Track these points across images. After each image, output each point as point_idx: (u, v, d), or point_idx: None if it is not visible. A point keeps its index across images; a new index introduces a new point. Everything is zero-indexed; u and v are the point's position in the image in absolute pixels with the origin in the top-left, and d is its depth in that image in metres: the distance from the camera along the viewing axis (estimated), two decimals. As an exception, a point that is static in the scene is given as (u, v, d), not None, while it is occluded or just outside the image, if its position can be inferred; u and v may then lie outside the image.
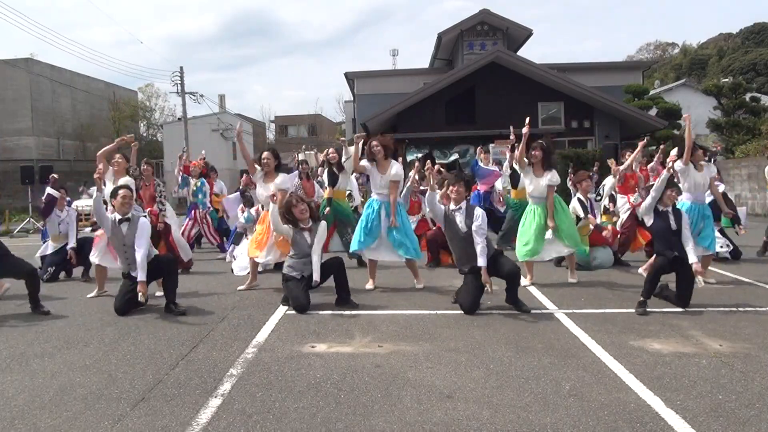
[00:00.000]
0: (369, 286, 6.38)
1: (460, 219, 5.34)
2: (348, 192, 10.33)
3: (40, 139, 29.91)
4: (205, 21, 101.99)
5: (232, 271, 7.00)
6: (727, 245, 7.74)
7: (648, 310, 5.03)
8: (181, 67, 29.71)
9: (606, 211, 7.95)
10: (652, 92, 27.61)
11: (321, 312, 5.33)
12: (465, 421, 2.93)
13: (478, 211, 5.36)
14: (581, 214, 7.13)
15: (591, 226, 7.24)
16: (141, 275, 5.35)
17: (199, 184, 9.55)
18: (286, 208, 5.57)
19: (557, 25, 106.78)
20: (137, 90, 39.58)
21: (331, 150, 8.48)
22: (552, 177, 6.27)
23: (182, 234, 9.28)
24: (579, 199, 7.29)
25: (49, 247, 7.77)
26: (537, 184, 6.33)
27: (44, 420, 3.06)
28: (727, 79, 26.59)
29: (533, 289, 6.14)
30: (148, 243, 5.56)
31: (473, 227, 5.23)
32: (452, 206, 5.44)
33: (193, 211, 9.58)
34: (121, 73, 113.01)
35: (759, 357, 3.83)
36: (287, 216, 5.55)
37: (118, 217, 5.59)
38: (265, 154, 6.63)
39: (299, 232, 5.57)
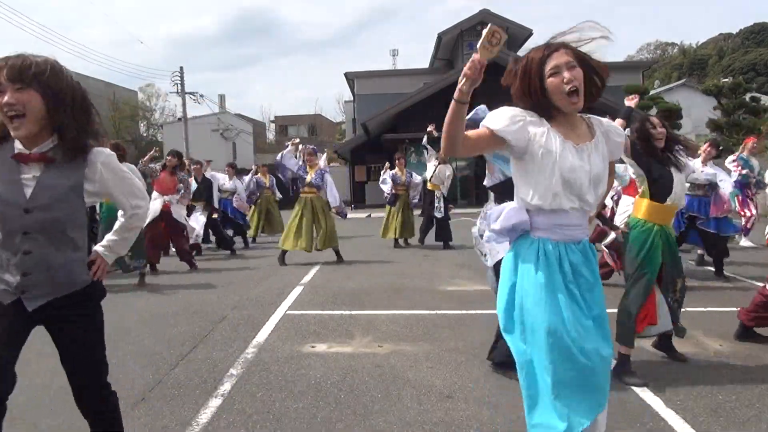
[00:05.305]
0: None
1: None
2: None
3: (40, 139, 29.88)
4: (206, 21, 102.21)
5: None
6: None
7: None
8: (181, 67, 29.69)
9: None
10: (652, 92, 27.60)
11: (321, 312, 5.32)
12: (465, 421, 2.93)
13: None
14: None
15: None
16: None
17: None
18: None
19: (557, 25, 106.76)
20: (137, 90, 39.58)
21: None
22: None
23: None
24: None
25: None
26: None
27: (44, 420, 3.06)
28: (727, 79, 26.56)
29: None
30: None
31: None
32: None
33: None
34: (122, 73, 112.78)
35: (759, 357, 3.82)
36: None
37: None
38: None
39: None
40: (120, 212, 2.18)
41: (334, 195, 8.31)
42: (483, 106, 3.20)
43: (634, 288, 3.44)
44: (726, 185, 6.66)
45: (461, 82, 1.80)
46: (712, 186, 6.59)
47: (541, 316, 1.87)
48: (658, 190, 3.48)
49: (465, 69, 1.77)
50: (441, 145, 1.95)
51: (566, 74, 1.87)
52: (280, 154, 8.22)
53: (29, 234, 1.87)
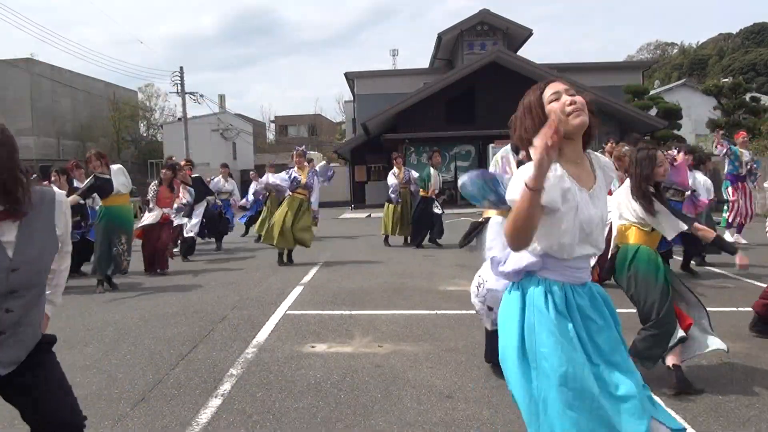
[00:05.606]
0: None
1: None
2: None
3: (40, 139, 29.84)
4: (206, 21, 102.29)
5: None
6: None
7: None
8: (181, 67, 29.66)
9: None
10: (652, 92, 27.60)
11: (321, 312, 5.32)
12: (465, 421, 2.93)
13: None
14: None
15: None
16: None
17: None
18: None
19: (557, 25, 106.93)
20: (137, 90, 39.52)
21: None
22: None
23: None
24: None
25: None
26: None
27: (44, 420, 3.06)
28: (727, 79, 26.56)
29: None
30: None
31: None
32: None
33: None
34: (121, 73, 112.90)
35: (759, 357, 3.83)
36: None
37: None
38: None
39: None
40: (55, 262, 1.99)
41: (316, 198, 8.52)
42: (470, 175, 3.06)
43: (668, 316, 3.28)
44: (702, 190, 6.77)
45: (537, 164, 1.60)
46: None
47: (558, 361, 1.72)
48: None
49: (541, 142, 1.59)
50: (509, 240, 1.72)
51: (567, 97, 1.82)
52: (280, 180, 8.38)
53: (16, 293, 1.74)
